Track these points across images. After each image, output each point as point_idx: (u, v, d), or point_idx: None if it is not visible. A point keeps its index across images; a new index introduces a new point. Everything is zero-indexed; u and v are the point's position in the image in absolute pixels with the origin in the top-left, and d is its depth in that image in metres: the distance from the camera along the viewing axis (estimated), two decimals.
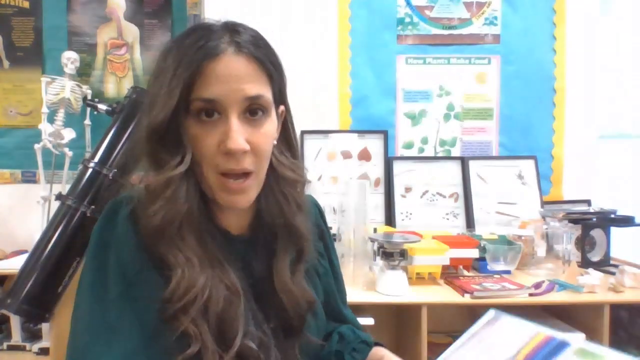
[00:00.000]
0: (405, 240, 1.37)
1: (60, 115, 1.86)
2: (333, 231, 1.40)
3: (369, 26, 1.96)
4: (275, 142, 0.72)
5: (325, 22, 1.96)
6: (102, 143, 1.45)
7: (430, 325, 1.31)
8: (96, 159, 1.41)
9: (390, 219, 1.90)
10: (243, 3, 1.94)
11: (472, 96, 1.99)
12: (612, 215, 1.68)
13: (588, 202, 1.89)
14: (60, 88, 1.85)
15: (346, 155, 1.94)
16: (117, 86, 2.05)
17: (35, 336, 1.77)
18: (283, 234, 0.74)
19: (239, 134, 0.64)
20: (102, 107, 1.70)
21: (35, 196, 1.86)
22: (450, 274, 1.51)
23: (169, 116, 0.64)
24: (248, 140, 0.65)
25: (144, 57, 2.04)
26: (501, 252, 1.52)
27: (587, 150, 1.97)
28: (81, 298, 0.66)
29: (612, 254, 1.63)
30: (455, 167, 1.94)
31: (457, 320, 1.58)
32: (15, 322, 1.73)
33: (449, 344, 0.70)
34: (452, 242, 1.51)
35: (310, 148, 1.93)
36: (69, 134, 1.88)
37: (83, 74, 2.02)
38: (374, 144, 1.95)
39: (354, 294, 1.34)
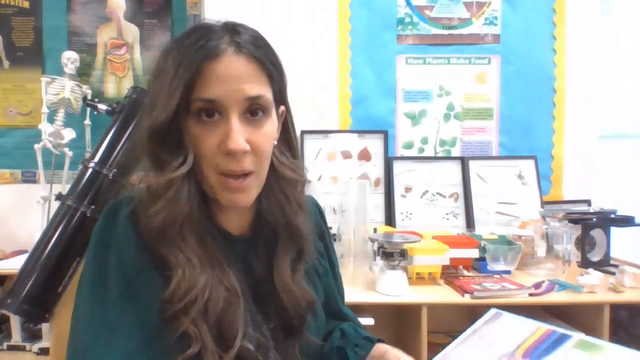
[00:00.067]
0: (405, 240, 1.37)
1: (60, 115, 1.86)
2: (333, 231, 1.40)
3: (369, 26, 1.96)
4: (275, 142, 0.72)
5: (325, 22, 1.96)
6: (102, 143, 1.45)
7: (430, 325, 1.31)
8: (96, 159, 1.41)
9: (390, 219, 1.90)
10: (243, 3, 1.94)
11: (472, 96, 1.99)
12: (612, 215, 1.68)
13: (588, 202, 1.89)
14: (60, 88, 1.85)
15: (346, 155, 1.94)
16: (117, 86, 2.05)
17: (35, 336, 1.77)
18: (284, 233, 0.74)
19: (239, 134, 0.64)
20: (102, 107, 1.69)
21: (35, 196, 1.86)
22: (450, 274, 1.51)
23: (170, 117, 0.64)
24: (248, 140, 0.65)
25: (144, 57, 2.04)
26: (501, 252, 1.52)
27: (587, 150, 1.97)
28: (81, 298, 0.66)
29: (612, 254, 1.63)
30: (455, 167, 1.94)
31: (457, 320, 1.58)
32: (15, 322, 1.73)
33: (448, 344, 0.70)
34: (452, 242, 1.51)
35: (310, 148, 1.93)
36: (69, 134, 1.88)
37: (83, 74, 2.02)
38: (374, 144, 1.95)
39: (354, 294, 1.34)
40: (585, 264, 1.58)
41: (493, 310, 0.74)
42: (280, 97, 0.72)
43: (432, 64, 1.98)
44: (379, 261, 1.40)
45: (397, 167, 1.93)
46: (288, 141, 0.76)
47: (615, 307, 1.40)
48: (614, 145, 2.03)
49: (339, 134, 1.94)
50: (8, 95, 2.05)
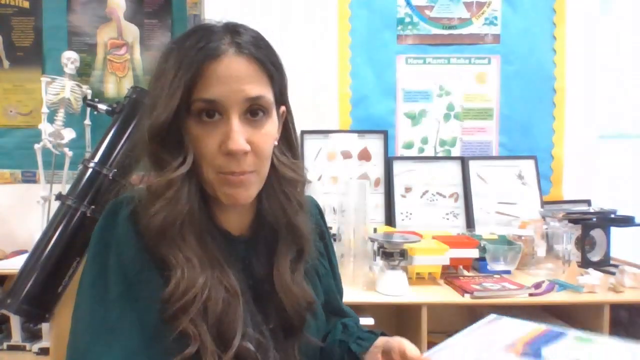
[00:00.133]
0: (405, 240, 1.37)
1: (60, 115, 1.86)
2: (333, 231, 1.41)
3: (369, 26, 1.96)
4: (276, 143, 0.72)
5: (325, 22, 1.96)
6: (102, 143, 1.45)
7: (430, 325, 1.31)
8: (96, 159, 1.41)
9: (390, 219, 1.90)
10: (243, 3, 1.94)
11: (472, 96, 1.99)
12: (612, 215, 1.68)
13: (588, 202, 1.89)
14: (60, 88, 1.85)
15: (346, 155, 1.94)
16: (117, 86, 2.05)
17: (35, 336, 1.77)
18: (284, 233, 0.74)
19: (239, 134, 0.64)
20: (102, 107, 1.69)
21: (35, 196, 1.86)
22: (450, 274, 1.51)
23: (170, 117, 0.64)
24: (249, 140, 0.65)
25: (144, 57, 2.04)
26: (501, 252, 1.52)
27: (587, 150, 1.98)
28: (81, 298, 0.66)
29: (612, 254, 1.63)
30: (455, 167, 1.94)
31: (457, 320, 1.58)
32: (15, 322, 1.73)
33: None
34: (452, 242, 1.51)
35: (310, 148, 1.93)
36: (69, 134, 1.87)
37: (83, 74, 2.02)
38: (374, 144, 1.95)
39: (354, 294, 1.34)
40: (585, 264, 1.58)
41: (493, 315, 0.76)
42: (281, 97, 0.72)
43: (432, 64, 1.98)
44: (379, 261, 1.40)
45: (397, 167, 1.93)
46: (288, 141, 0.76)
47: (615, 307, 1.40)
48: (614, 145, 2.03)
49: (339, 134, 1.94)
50: (8, 95, 2.05)
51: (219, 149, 0.64)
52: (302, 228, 0.75)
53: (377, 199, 1.92)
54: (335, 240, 1.45)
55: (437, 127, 1.99)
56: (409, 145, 1.99)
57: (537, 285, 1.39)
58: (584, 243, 1.61)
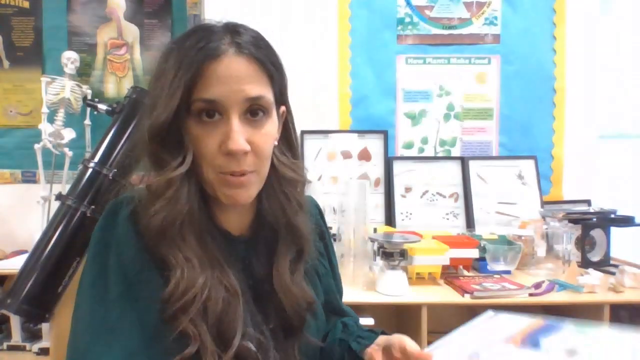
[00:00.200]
0: (405, 240, 1.37)
1: (60, 115, 1.86)
2: (333, 231, 1.41)
3: (369, 26, 1.96)
4: (276, 143, 0.72)
5: (325, 22, 1.96)
6: (102, 143, 1.45)
7: (430, 325, 1.31)
8: (96, 159, 1.41)
9: (390, 219, 1.90)
10: (243, 3, 1.94)
11: (472, 96, 1.99)
12: (612, 215, 1.68)
13: (588, 202, 1.89)
14: (60, 88, 1.85)
15: (346, 155, 1.94)
16: (117, 86, 2.05)
17: (35, 336, 1.77)
18: (284, 233, 0.74)
19: (239, 134, 0.64)
20: (102, 107, 1.69)
21: (35, 196, 1.86)
22: (450, 274, 1.51)
23: (170, 117, 0.64)
24: (249, 140, 0.65)
25: (144, 57, 2.04)
26: (501, 252, 1.52)
27: (587, 150, 1.98)
28: (81, 298, 0.66)
29: (612, 254, 1.63)
30: (455, 167, 1.94)
31: (457, 321, 1.56)
32: (15, 322, 1.73)
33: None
34: (452, 242, 1.51)
35: (310, 148, 1.93)
36: (69, 134, 1.87)
37: (83, 74, 2.02)
38: (374, 144, 1.95)
39: (354, 294, 1.34)
40: (585, 264, 1.58)
41: (490, 312, 0.76)
42: (281, 97, 0.72)
43: (432, 64, 1.98)
44: (379, 261, 1.40)
45: (397, 167, 1.93)
46: (288, 141, 0.76)
47: (615, 307, 1.40)
48: (614, 145, 2.03)
49: (339, 134, 1.94)
50: (8, 95, 2.05)
51: (219, 149, 0.64)
52: (301, 228, 0.75)
53: (377, 199, 1.92)
54: (335, 240, 1.45)
55: (437, 127, 1.99)
56: (409, 145, 1.99)
57: (537, 286, 1.39)
58: (584, 243, 1.61)
